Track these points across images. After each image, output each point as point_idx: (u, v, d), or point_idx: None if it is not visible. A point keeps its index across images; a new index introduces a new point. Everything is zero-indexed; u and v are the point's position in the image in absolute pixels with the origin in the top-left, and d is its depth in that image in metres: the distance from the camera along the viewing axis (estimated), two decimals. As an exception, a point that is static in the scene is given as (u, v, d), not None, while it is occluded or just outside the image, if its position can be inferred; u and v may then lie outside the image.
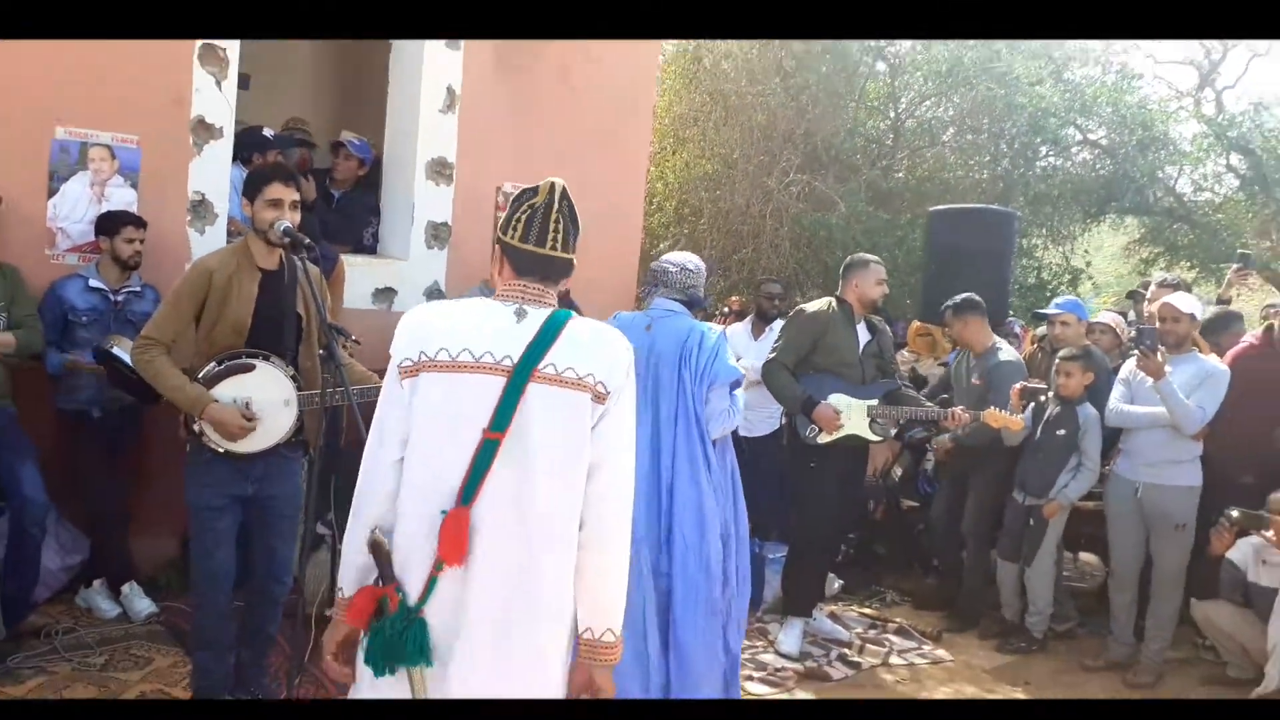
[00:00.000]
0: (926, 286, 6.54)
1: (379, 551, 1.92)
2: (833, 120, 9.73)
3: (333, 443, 3.98)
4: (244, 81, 5.02)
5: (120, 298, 4.21)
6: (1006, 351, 5.16)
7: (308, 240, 3.12)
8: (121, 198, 4.45)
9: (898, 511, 6.09)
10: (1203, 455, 4.55)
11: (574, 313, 2.06)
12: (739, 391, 3.56)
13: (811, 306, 4.71)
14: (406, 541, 1.92)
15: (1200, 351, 4.67)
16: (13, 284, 3.97)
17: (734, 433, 3.78)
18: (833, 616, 5.05)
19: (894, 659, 4.71)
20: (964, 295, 5.20)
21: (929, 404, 4.77)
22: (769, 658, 4.51)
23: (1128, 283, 11.81)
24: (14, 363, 3.90)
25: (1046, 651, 4.90)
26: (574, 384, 1.92)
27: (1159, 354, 4.41)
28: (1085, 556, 6.34)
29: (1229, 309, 5.70)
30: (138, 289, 4.26)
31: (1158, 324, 4.65)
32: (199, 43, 4.54)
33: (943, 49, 10.09)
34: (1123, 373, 4.75)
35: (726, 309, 7.82)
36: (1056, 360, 4.98)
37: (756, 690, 4.15)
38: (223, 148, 4.70)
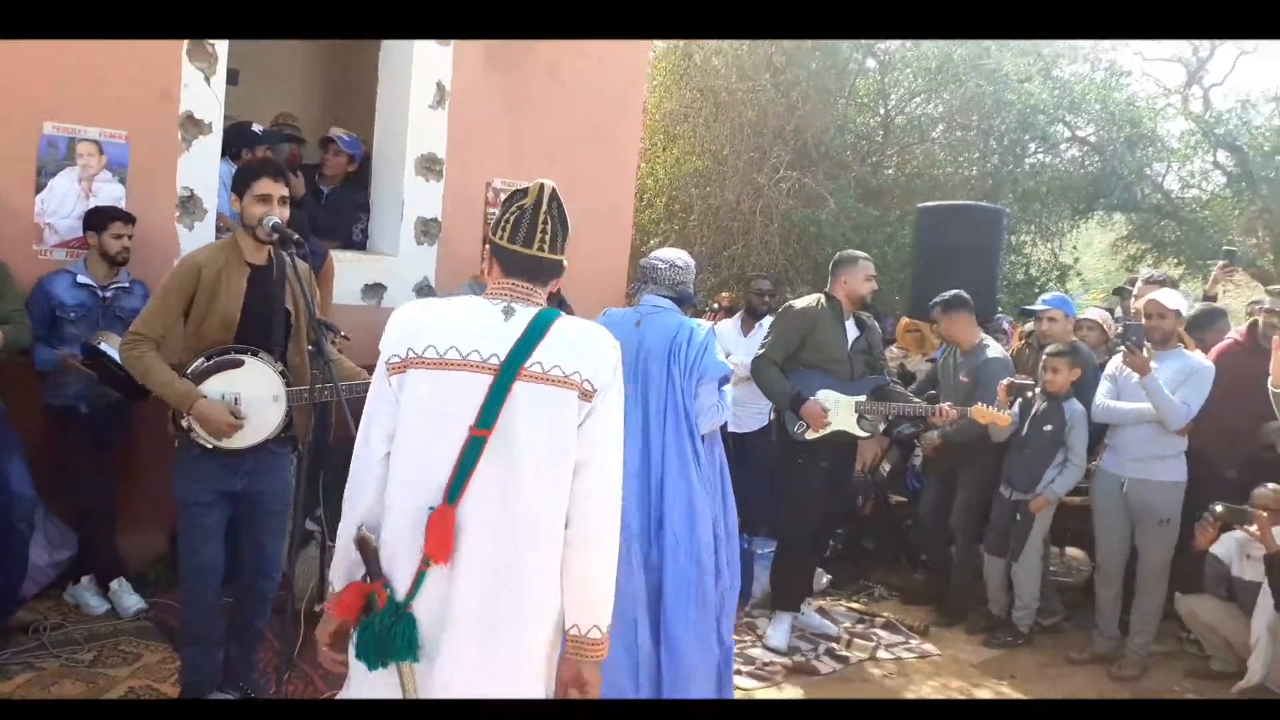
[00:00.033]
0: (915, 283, 6.56)
1: (366, 548, 1.94)
2: (823, 117, 9.75)
3: (321, 439, 3.98)
4: (233, 77, 5.01)
5: (108, 293, 4.20)
6: (994, 348, 5.19)
7: (296, 236, 3.13)
8: (110, 193, 4.44)
9: (886, 507, 6.12)
10: (1187, 451, 4.58)
11: (562, 311, 2.07)
12: (727, 387, 3.58)
13: (800, 303, 4.73)
14: (394, 537, 1.94)
15: (1185, 348, 4.70)
16: (0, 279, 3.96)
17: (723, 428, 3.80)
18: (821, 611, 5.07)
19: (881, 653, 4.73)
20: (952, 292, 5.23)
21: (917, 400, 4.80)
22: (757, 652, 4.53)
23: (1116, 279, 11.89)
24: (1, 358, 3.89)
25: (1032, 645, 4.93)
26: (560, 382, 1.93)
27: (1145, 350, 4.44)
28: (1071, 551, 6.39)
29: (1213, 305, 5.74)
30: (126, 285, 4.25)
31: (1143, 320, 4.68)
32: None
33: (932, 46, 10.12)
34: (1109, 369, 4.78)
35: (716, 305, 7.84)
36: (1043, 356, 5.01)
37: (745, 684, 4.17)
38: (211, 143, 4.69)
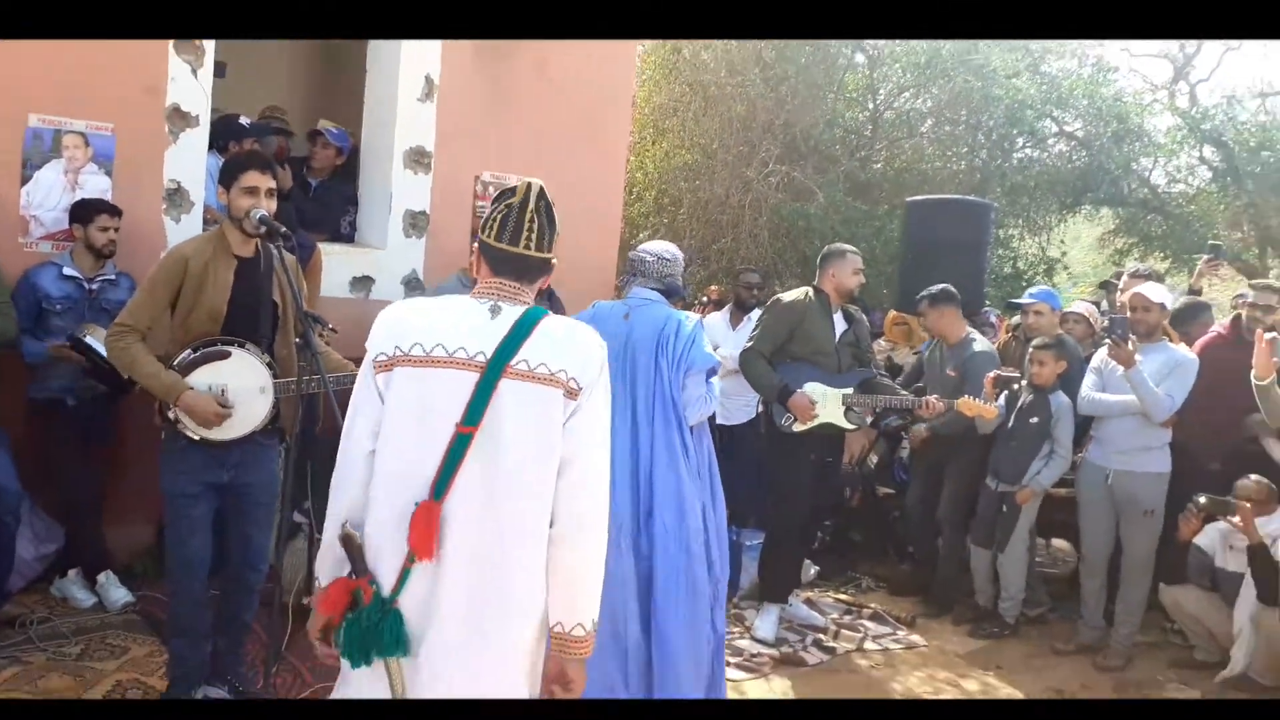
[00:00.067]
0: (903, 276, 6.58)
1: (350, 545, 1.94)
2: (812, 111, 9.76)
3: (309, 430, 3.98)
4: (220, 69, 4.99)
5: (95, 286, 4.18)
6: (981, 342, 5.21)
7: (283, 229, 3.13)
8: (96, 185, 4.42)
9: (873, 499, 6.15)
10: (1172, 443, 4.62)
11: (552, 306, 2.09)
12: (715, 379, 3.60)
13: (788, 296, 4.74)
14: (379, 532, 1.94)
15: (1170, 341, 4.74)
16: (-14, 272, 3.96)
17: (711, 421, 3.81)
18: (809, 603, 5.10)
19: (869, 644, 4.76)
20: (940, 286, 5.25)
21: (904, 393, 4.82)
22: (745, 644, 4.55)
23: (1103, 273, 11.94)
24: (-13, 351, 3.89)
25: (1019, 636, 4.97)
26: (546, 380, 1.94)
27: (1130, 343, 4.47)
28: (1057, 543, 6.42)
29: (1198, 299, 5.78)
30: (112, 277, 4.24)
31: (1128, 314, 4.71)
32: (174, 30, 4.52)
33: (921, 42, 10.14)
34: (1094, 361, 4.81)
35: (705, 298, 7.85)
36: (1029, 349, 5.04)
37: (733, 676, 4.18)
38: (198, 136, 4.67)
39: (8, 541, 3.84)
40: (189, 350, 3.16)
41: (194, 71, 4.61)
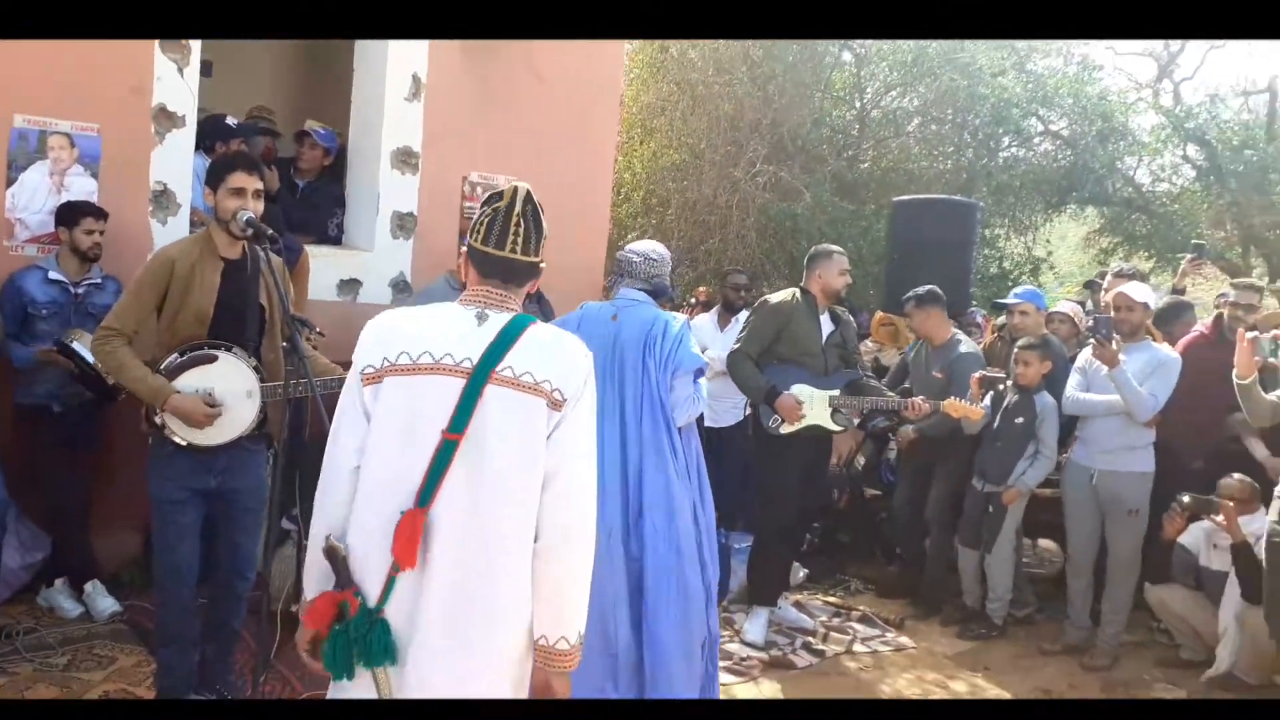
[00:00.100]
0: (890, 277, 6.60)
1: (334, 558, 1.93)
2: (799, 110, 9.78)
3: (297, 436, 3.96)
4: (206, 69, 4.97)
5: (80, 290, 4.15)
6: (966, 343, 5.24)
7: (270, 231, 3.11)
8: (82, 187, 4.39)
9: (861, 500, 6.16)
10: (1156, 442, 4.65)
11: (540, 307, 2.08)
12: (702, 380, 3.60)
13: (775, 297, 4.75)
14: (366, 541, 1.93)
15: (1154, 340, 4.76)
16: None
17: (699, 423, 3.81)
18: (798, 605, 5.11)
19: (858, 646, 4.78)
20: (926, 287, 5.26)
21: (891, 394, 4.83)
22: (734, 647, 4.56)
23: (1089, 272, 11.99)
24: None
25: (1006, 637, 4.99)
26: (530, 389, 1.93)
27: (1114, 342, 4.49)
28: (1044, 543, 6.46)
29: (1180, 299, 5.82)
30: (98, 281, 4.20)
31: (1112, 313, 4.74)
32: (159, 30, 4.49)
33: (907, 41, 10.17)
34: (1079, 361, 4.84)
35: (694, 300, 7.85)
36: (1015, 349, 5.06)
37: (722, 679, 4.17)
38: (185, 136, 4.64)
39: (-7, 549, 3.82)
40: (175, 354, 3.14)
41: (180, 71, 4.59)
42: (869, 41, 10.67)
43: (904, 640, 4.91)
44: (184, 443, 3.13)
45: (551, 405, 1.94)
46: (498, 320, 1.99)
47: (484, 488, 1.91)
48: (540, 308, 4.53)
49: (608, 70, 6.18)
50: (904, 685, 4.42)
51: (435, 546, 1.90)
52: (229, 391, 3.16)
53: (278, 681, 3.63)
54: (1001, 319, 5.95)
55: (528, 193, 2.06)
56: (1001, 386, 4.92)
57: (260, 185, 3.20)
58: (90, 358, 3.59)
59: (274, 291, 3.22)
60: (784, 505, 4.67)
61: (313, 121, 5.68)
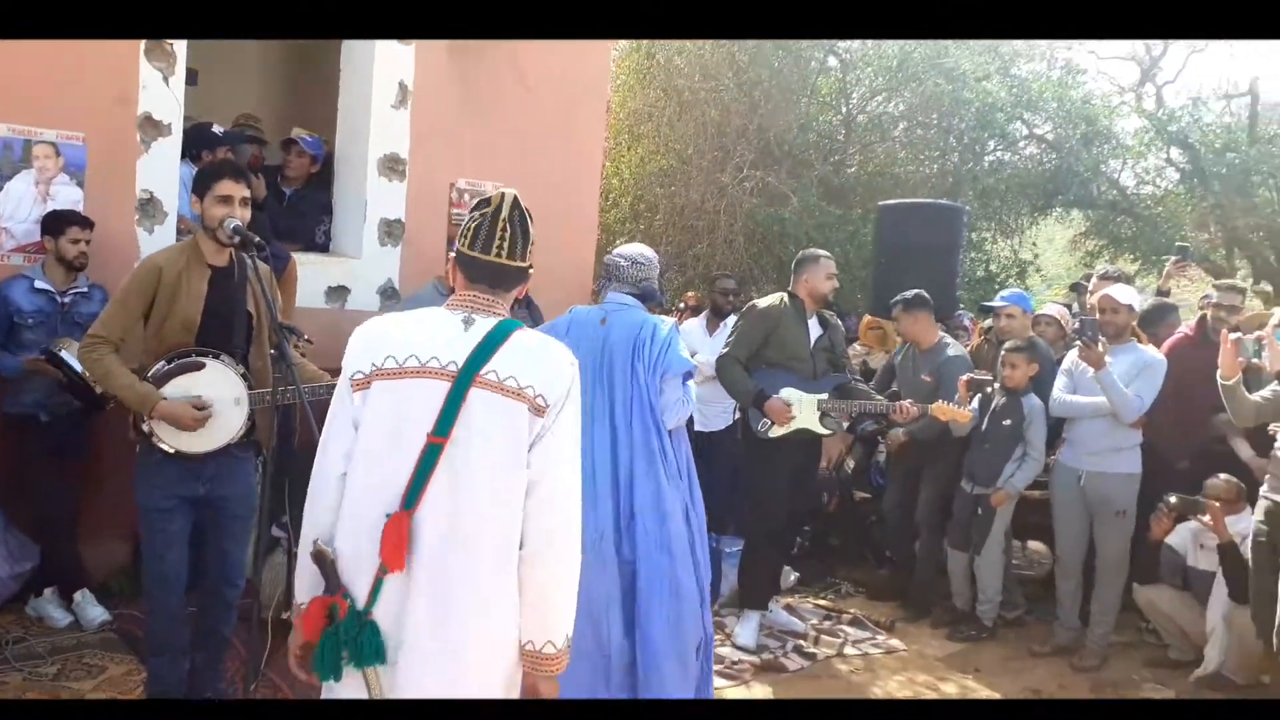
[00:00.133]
0: (877, 281, 6.63)
1: (322, 562, 1.95)
2: (785, 116, 9.82)
3: (286, 444, 3.95)
4: (192, 77, 4.96)
5: (67, 299, 4.14)
6: (954, 347, 5.27)
7: (257, 239, 3.11)
8: (67, 196, 4.38)
9: (851, 504, 6.18)
10: (1142, 443, 4.67)
11: (529, 312, 2.09)
12: (691, 383, 3.61)
13: (763, 302, 4.77)
14: (354, 544, 1.95)
15: (1139, 342, 4.79)
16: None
17: (689, 427, 3.83)
18: (789, 609, 5.12)
19: (848, 649, 4.79)
20: (914, 291, 5.28)
21: (879, 397, 4.85)
22: (726, 651, 4.56)
23: (1075, 275, 12.06)
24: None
25: (996, 638, 5.01)
26: (514, 394, 1.94)
27: (1100, 344, 4.52)
28: (1034, 545, 6.48)
29: (1164, 301, 5.86)
30: (85, 290, 4.19)
31: (1097, 315, 4.77)
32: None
33: (892, 45, 10.23)
34: (1065, 363, 4.86)
35: (683, 305, 7.87)
36: (1002, 352, 5.09)
37: (714, 683, 4.19)
38: (171, 145, 4.64)
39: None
40: (163, 362, 3.14)
41: (166, 79, 4.58)
42: (854, 47, 10.73)
43: (894, 643, 4.93)
44: (171, 450, 3.12)
45: (534, 411, 1.95)
46: (484, 325, 2.01)
47: (467, 491, 1.92)
48: (529, 312, 4.54)
49: (594, 74, 6.19)
50: (895, 687, 4.43)
51: (421, 549, 1.91)
52: (217, 399, 3.16)
53: (268, 689, 3.61)
54: (988, 322, 5.98)
55: (515, 198, 2.07)
56: (989, 389, 4.94)
57: (247, 193, 3.21)
58: (79, 366, 3.58)
59: (261, 299, 3.22)
60: (774, 509, 4.69)
61: (299, 129, 5.68)
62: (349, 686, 1.94)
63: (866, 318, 6.78)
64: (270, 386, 3.20)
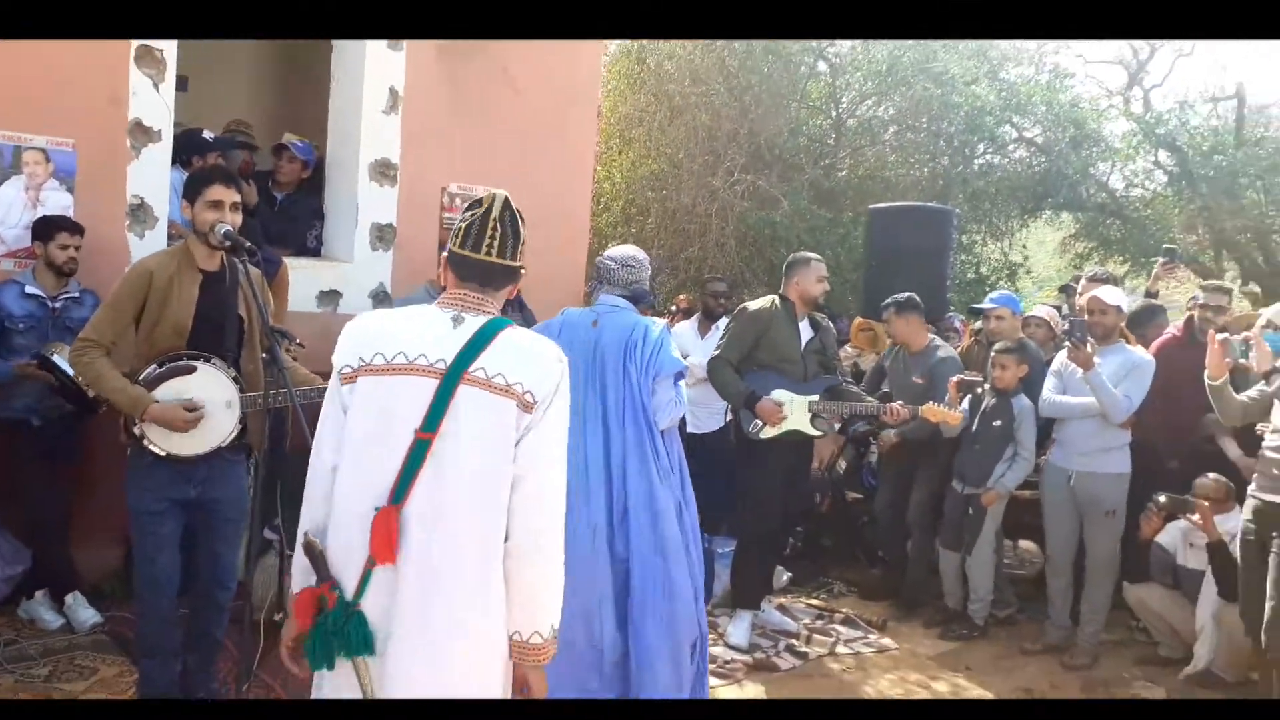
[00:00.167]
0: (867, 283, 6.66)
1: (311, 553, 1.98)
2: (775, 120, 9.85)
3: (278, 447, 3.96)
4: (182, 83, 4.96)
5: (58, 304, 4.14)
6: (945, 349, 5.30)
7: (248, 244, 3.12)
8: (57, 201, 4.38)
9: (843, 504, 6.20)
10: (1131, 443, 4.70)
11: (521, 314, 2.11)
12: (682, 382, 3.64)
13: (754, 304, 4.79)
14: (344, 538, 1.97)
15: (1127, 343, 4.83)
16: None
17: (681, 429, 3.84)
18: (781, 608, 5.13)
19: (840, 648, 4.80)
20: (906, 294, 5.31)
21: (870, 399, 4.87)
22: (718, 650, 4.57)
23: (1066, 277, 12.11)
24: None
25: (987, 637, 5.03)
26: (502, 390, 1.96)
27: (1089, 346, 4.55)
28: (1025, 544, 6.51)
29: (1152, 302, 5.90)
30: (76, 295, 4.19)
31: (1086, 316, 4.80)
32: (135, 44, 4.48)
33: (881, 50, 10.28)
34: (1055, 364, 4.89)
35: (675, 307, 7.89)
36: (992, 353, 5.12)
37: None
38: (161, 151, 4.64)
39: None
40: (154, 365, 3.15)
41: (156, 85, 4.59)
42: (843, 51, 10.78)
43: (886, 642, 4.94)
44: (163, 453, 3.13)
45: (523, 407, 1.97)
46: (473, 323, 2.03)
47: (455, 486, 1.94)
48: (522, 315, 4.55)
49: (585, 79, 6.21)
50: (886, 686, 4.45)
51: (409, 543, 1.93)
52: (208, 401, 3.17)
53: (261, 690, 3.61)
54: (978, 324, 6.01)
55: (506, 199, 2.10)
56: (979, 390, 4.97)
57: (238, 198, 3.22)
58: (70, 370, 3.58)
59: (252, 303, 3.22)
60: (767, 509, 4.70)
61: (290, 134, 5.68)
62: (341, 678, 1.96)
63: (858, 320, 6.81)
64: (262, 390, 3.21)
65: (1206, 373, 4.04)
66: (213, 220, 3.13)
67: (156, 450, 3.12)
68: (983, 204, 10.95)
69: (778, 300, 4.73)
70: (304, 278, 5.04)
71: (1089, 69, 20.24)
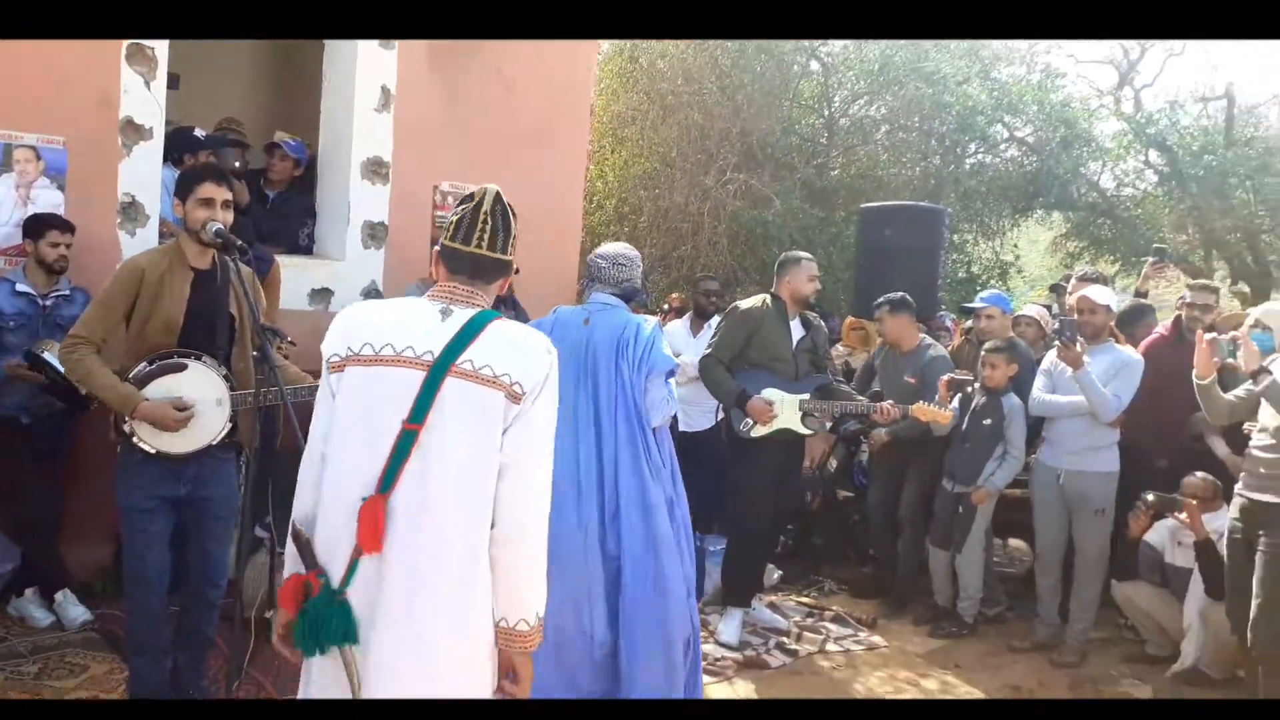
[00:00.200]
0: (859, 282, 6.68)
1: (299, 540, 2.00)
2: (768, 119, 9.88)
3: (269, 445, 3.96)
4: (174, 81, 4.96)
5: (49, 302, 4.13)
6: (936, 348, 5.31)
7: (240, 242, 3.12)
8: (48, 199, 4.38)
9: (834, 502, 6.21)
10: (1120, 442, 4.72)
11: (514, 311, 2.12)
12: (673, 381, 3.65)
13: (746, 303, 4.81)
14: (331, 527, 1.99)
15: (1117, 342, 4.85)
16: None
17: (673, 427, 3.86)
18: (772, 606, 5.15)
19: (830, 646, 4.82)
20: (899, 294, 5.33)
21: (861, 398, 4.89)
22: (709, 648, 4.58)
23: (1057, 276, 12.15)
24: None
25: (977, 635, 5.05)
26: (489, 381, 1.97)
27: (1078, 345, 4.57)
28: (1014, 542, 6.53)
29: (1142, 302, 5.92)
30: (67, 293, 4.19)
31: (1075, 316, 4.82)
32: (127, 42, 4.48)
33: (874, 50, 10.31)
34: (1045, 363, 4.91)
35: (667, 306, 7.90)
36: (982, 352, 5.13)
37: (698, 679, 4.22)
38: (153, 149, 4.64)
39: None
40: (144, 363, 3.14)
41: (147, 84, 4.58)
42: (835, 51, 10.80)
43: (876, 639, 4.96)
44: (152, 451, 3.13)
45: (510, 398, 1.98)
46: (462, 315, 2.04)
47: (442, 477, 1.96)
48: (515, 313, 4.56)
49: (577, 77, 6.21)
50: (876, 683, 4.47)
51: (395, 532, 1.95)
52: (199, 399, 3.17)
53: (252, 687, 3.62)
54: (969, 323, 6.03)
55: (497, 193, 2.12)
56: (969, 389, 4.99)
57: (229, 196, 3.22)
58: (61, 367, 3.58)
59: (244, 301, 3.22)
60: (758, 508, 4.72)
61: (282, 133, 5.68)
62: (329, 676, 1.98)
63: (849, 319, 6.83)
64: (253, 388, 3.21)
65: (1194, 372, 4.06)
66: (204, 218, 3.13)
67: (146, 448, 3.12)
68: (974, 203, 10.99)
69: (769, 299, 4.74)
70: (296, 276, 5.04)
71: (1080, 69, 20.36)
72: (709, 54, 9.67)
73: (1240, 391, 4.12)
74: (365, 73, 5.25)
